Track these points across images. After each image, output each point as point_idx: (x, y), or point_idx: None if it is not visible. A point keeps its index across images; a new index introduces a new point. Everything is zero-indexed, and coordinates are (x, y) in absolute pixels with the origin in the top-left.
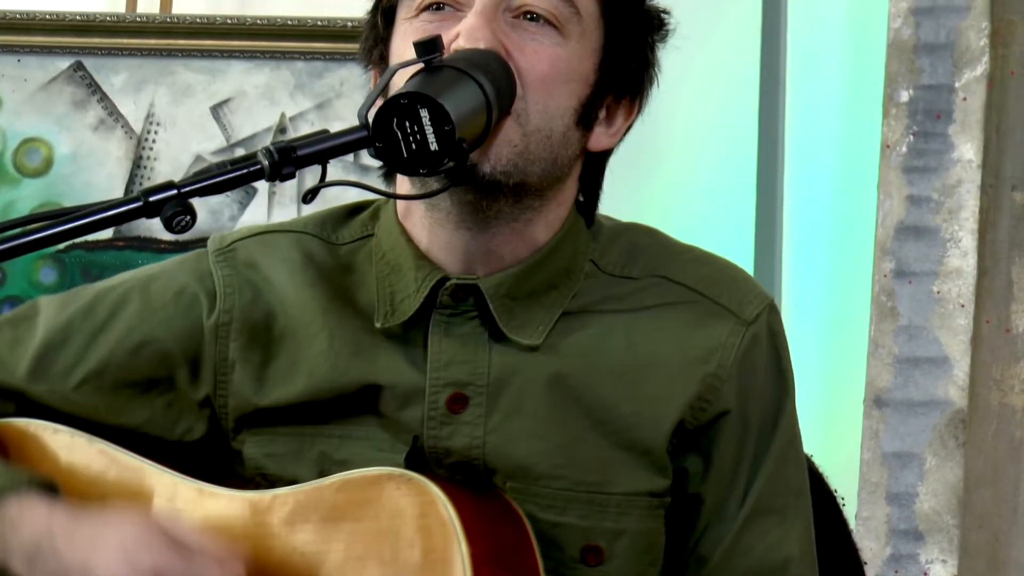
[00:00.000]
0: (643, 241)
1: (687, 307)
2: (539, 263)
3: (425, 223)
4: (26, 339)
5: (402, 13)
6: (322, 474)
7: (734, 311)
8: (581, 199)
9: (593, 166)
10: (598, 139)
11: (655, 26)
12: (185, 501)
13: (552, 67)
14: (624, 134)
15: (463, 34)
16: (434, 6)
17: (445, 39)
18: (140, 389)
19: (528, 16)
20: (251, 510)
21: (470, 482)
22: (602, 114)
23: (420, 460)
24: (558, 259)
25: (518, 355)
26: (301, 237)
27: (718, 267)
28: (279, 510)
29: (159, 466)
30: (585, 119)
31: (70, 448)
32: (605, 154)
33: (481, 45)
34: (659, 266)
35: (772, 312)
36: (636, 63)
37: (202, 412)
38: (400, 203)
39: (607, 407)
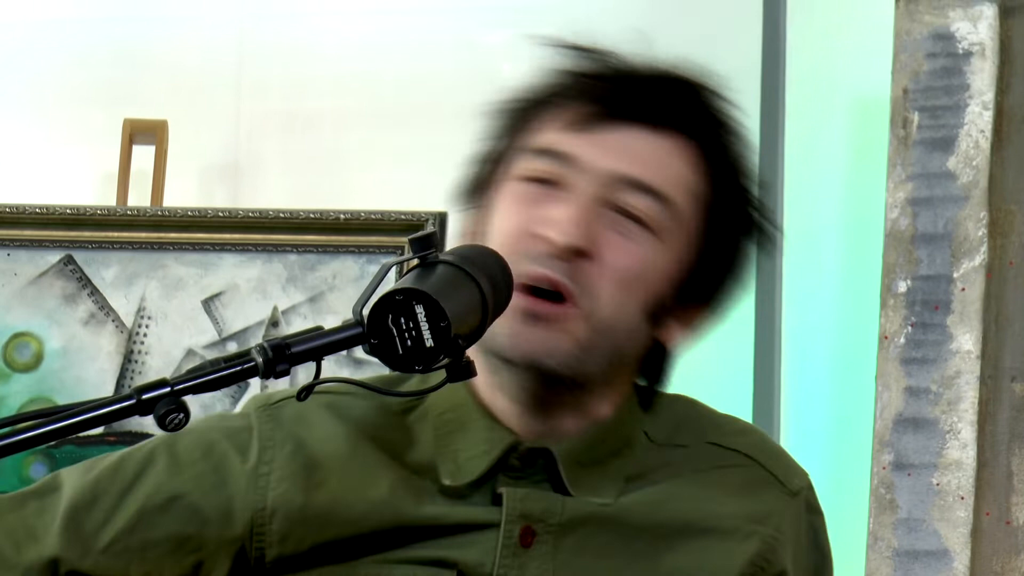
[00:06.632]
0: (687, 412)
1: (742, 470)
2: (606, 432)
3: (487, 388)
4: (53, 506)
5: (512, 170)
6: None
7: (781, 480)
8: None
9: (659, 352)
10: (671, 332)
11: (755, 232)
12: None
13: (633, 265)
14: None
15: (558, 226)
16: (539, 180)
17: (542, 215)
18: (168, 547)
19: (625, 214)
20: None
21: None
22: (678, 308)
23: None
24: (621, 430)
25: (588, 505)
26: (352, 395)
27: (763, 437)
28: None
29: None
30: (657, 315)
31: None
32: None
33: (571, 240)
34: (707, 434)
35: (811, 491)
36: (726, 272)
37: (234, 563)
38: None
39: (669, 561)
